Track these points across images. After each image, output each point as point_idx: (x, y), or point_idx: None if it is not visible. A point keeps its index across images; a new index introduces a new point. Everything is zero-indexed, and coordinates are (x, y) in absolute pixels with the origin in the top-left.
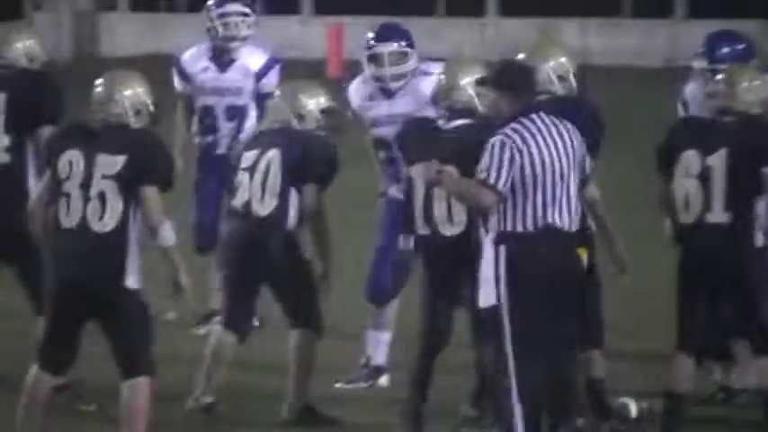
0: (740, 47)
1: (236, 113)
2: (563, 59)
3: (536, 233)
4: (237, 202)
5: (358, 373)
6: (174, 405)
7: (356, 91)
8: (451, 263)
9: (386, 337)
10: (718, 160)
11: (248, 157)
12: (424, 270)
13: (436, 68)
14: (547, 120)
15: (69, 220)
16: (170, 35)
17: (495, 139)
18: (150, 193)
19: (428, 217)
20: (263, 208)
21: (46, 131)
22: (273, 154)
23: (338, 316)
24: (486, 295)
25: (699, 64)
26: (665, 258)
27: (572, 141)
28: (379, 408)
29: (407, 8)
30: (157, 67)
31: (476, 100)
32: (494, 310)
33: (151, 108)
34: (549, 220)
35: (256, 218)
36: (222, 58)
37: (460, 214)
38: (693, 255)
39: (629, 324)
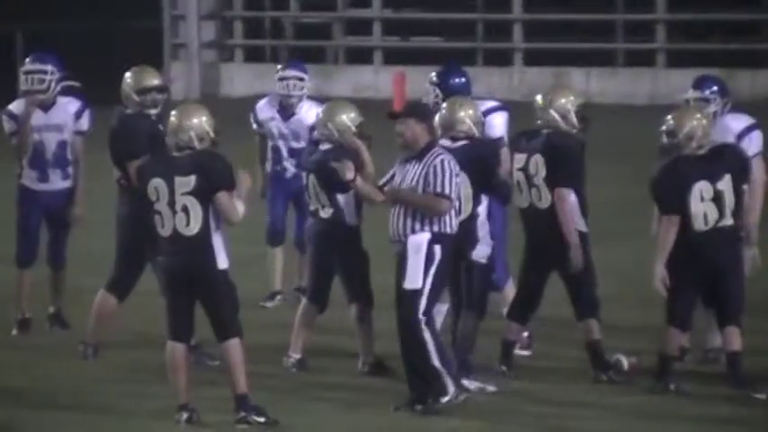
0: (722, 87)
1: (297, 154)
2: (564, 101)
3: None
4: (311, 206)
5: None
6: (273, 361)
7: None
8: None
9: (443, 308)
10: (725, 185)
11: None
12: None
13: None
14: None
15: (165, 231)
16: (274, 80)
17: (441, 158)
18: (222, 197)
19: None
20: (325, 212)
21: None
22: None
23: None
24: (413, 280)
25: (691, 95)
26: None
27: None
28: None
29: (455, 60)
30: None
31: (474, 128)
32: (415, 292)
33: (211, 134)
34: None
35: (322, 219)
36: (286, 110)
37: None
38: (703, 252)
39: (626, 299)
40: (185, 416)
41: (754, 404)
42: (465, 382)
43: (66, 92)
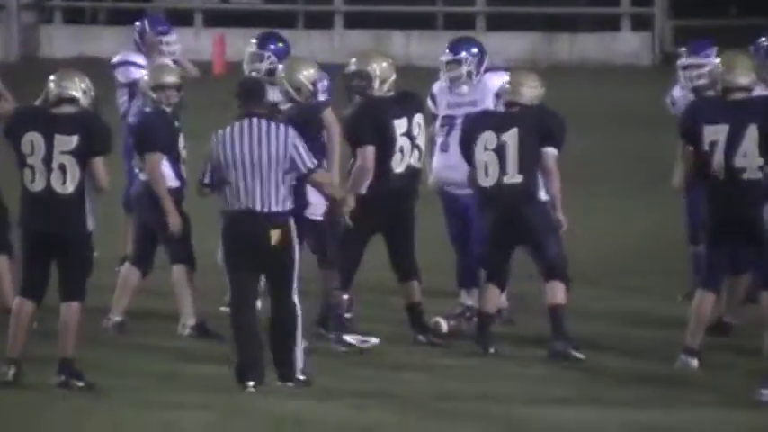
0: (478, 48)
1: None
2: (385, 65)
3: (237, 213)
4: (136, 168)
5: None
6: (97, 323)
7: None
8: None
9: None
10: (510, 137)
11: None
12: None
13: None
14: (257, 123)
15: (35, 186)
16: (93, 42)
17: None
18: (98, 162)
19: None
20: (144, 174)
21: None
22: None
23: None
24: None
25: (444, 57)
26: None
27: (279, 141)
28: None
29: (275, 23)
30: (82, 66)
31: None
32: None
33: (92, 94)
34: (246, 203)
35: (142, 181)
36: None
37: None
38: (496, 211)
39: (442, 265)
40: (12, 371)
41: (572, 365)
42: (347, 338)
43: None
